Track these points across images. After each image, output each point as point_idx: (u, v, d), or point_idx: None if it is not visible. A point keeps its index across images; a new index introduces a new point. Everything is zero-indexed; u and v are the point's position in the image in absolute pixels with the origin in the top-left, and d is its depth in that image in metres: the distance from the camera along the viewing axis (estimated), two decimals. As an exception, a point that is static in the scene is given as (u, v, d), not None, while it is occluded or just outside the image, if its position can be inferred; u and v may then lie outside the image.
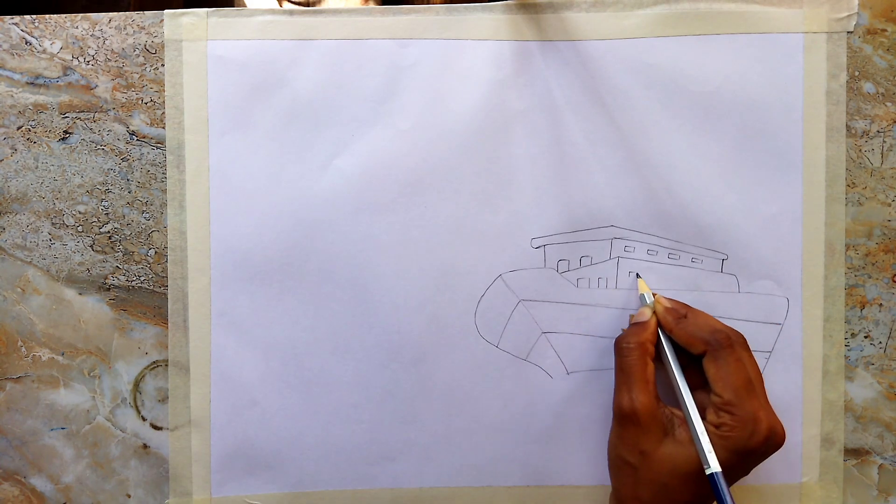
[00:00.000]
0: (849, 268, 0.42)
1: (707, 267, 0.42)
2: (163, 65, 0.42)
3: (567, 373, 0.42)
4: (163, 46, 0.42)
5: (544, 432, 0.42)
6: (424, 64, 0.42)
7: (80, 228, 0.43)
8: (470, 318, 0.42)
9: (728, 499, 0.33)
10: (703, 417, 0.35)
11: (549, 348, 0.42)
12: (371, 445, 0.42)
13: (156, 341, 0.43)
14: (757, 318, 0.42)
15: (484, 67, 0.41)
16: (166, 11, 0.42)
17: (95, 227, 0.43)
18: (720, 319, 0.39)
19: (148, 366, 0.43)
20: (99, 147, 0.43)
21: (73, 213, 0.43)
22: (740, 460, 0.34)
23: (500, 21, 0.41)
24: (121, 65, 0.42)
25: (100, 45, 0.42)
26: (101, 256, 0.43)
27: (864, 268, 0.42)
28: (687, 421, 0.36)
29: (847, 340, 0.42)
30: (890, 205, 0.42)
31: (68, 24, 0.42)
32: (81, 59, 0.42)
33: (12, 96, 0.42)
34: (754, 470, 0.36)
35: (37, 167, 0.43)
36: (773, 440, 0.34)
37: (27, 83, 0.42)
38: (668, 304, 0.39)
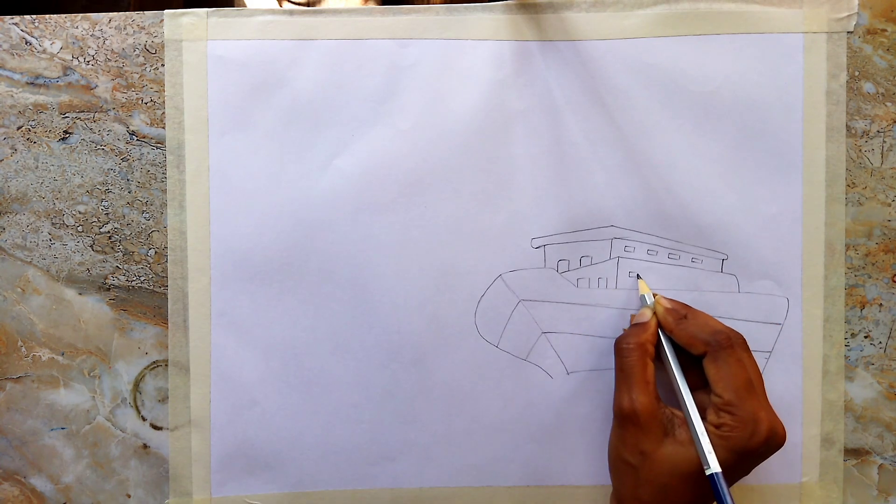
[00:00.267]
0: (849, 268, 0.42)
1: (707, 267, 0.42)
2: (163, 65, 0.42)
3: (567, 373, 0.42)
4: (163, 46, 0.42)
5: (544, 432, 0.42)
6: (424, 64, 0.42)
7: (80, 228, 0.43)
8: (470, 318, 0.42)
9: (728, 499, 0.33)
10: (704, 418, 0.35)
11: (549, 348, 0.42)
12: (371, 445, 0.42)
13: (156, 341, 0.43)
14: (757, 318, 0.42)
15: (484, 67, 0.41)
16: (166, 11, 0.42)
17: (95, 227, 0.43)
18: (720, 319, 0.39)
19: (148, 366, 0.43)
20: (99, 147, 0.43)
21: (73, 213, 0.43)
22: (741, 461, 0.34)
23: (500, 21, 0.41)
24: (121, 65, 0.42)
25: (100, 45, 0.42)
26: (101, 256, 0.43)
27: (864, 268, 0.42)
28: (687, 421, 0.36)
29: (847, 340, 0.42)
30: (890, 205, 0.42)
31: (68, 24, 0.42)
32: (81, 59, 0.42)
33: (12, 96, 0.42)
34: (754, 470, 0.36)
35: (37, 167, 0.43)
36: (773, 440, 0.34)
37: (27, 83, 0.42)
38: (668, 305, 0.39)
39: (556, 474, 0.42)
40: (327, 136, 0.42)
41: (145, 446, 0.43)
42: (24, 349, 0.43)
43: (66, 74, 0.42)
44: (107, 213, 0.43)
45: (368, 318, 0.42)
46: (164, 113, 0.42)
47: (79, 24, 0.42)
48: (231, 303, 0.42)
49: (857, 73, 0.41)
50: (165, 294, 0.42)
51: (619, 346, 0.38)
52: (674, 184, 0.41)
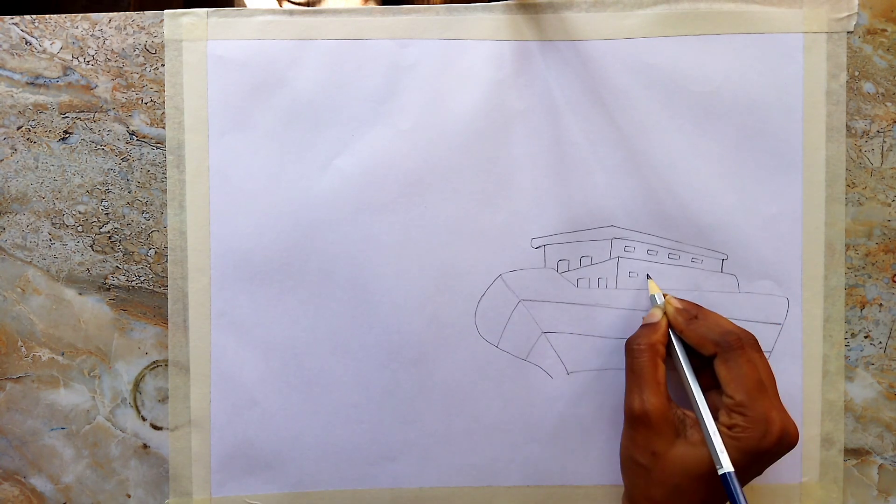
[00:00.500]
0: (849, 268, 0.42)
1: (707, 267, 0.42)
2: (163, 65, 0.42)
3: (567, 373, 0.42)
4: (163, 46, 0.42)
5: (544, 432, 0.42)
6: (424, 64, 0.42)
7: (80, 228, 0.43)
8: (470, 318, 0.42)
9: (742, 499, 0.33)
10: (716, 419, 0.35)
11: (549, 348, 0.42)
12: (371, 445, 0.42)
13: (156, 341, 0.43)
14: (757, 318, 0.42)
15: (484, 67, 0.41)
16: (166, 11, 0.42)
17: (95, 227, 0.43)
18: (720, 319, 0.39)
19: (148, 366, 0.43)
20: (99, 147, 0.43)
21: (73, 213, 0.43)
22: (753, 461, 0.34)
23: (500, 21, 0.41)
24: (121, 65, 0.42)
25: (100, 45, 0.42)
26: (101, 256, 0.43)
27: (864, 268, 0.42)
28: (699, 422, 0.36)
29: (847, 340, 0.42)
30: (890, 205, 0.42)
31: (68, 24, 0.42)
32: (81, 59, 0.42)
33: (12, 96, 0.42)
34: (755, 470, 0.36)
35: (37, 167, 0.43)
36: (785, 441, 0.34)
37: (27, 83, 0.42)
38: (678, 306, 0.39)
39: (556, 474, 0.42)
40: (327, 136, 0.42)
41: (145, 446, 0.43)
42: (24, 349, 0.43)
43: (66, 74, 0.42)
44: (107, 213, 0.43)
45: (368, 318, 0.42)
46: (164, 113, 0.42)
47: (79, 24, 0.42)
48: (231, 303, 0.42)
49: (857, 73, 0.41)
50: (165, 294, 0.42)
51: (630, 347, 0.38)
52: (674, 184, 0.41)
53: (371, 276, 0.42)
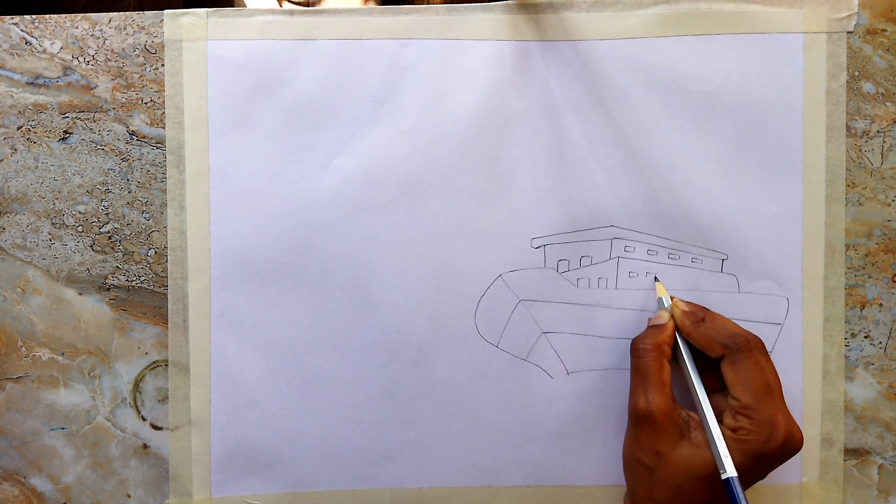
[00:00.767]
0: (849, 268, 0.42)
1: (707, 267, 0.42)
2: (163, 65, 0.42)
3: (567, 373, 0.42)
4: (163, 46, 0.42)
5: (544, 432, 0.42)
6: (424, 64, 0.42)
7: (80, 228, 0.43)
8: (470, 318, 0.42)
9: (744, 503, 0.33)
10: (720, 421, 0.35)
11: (549, 348, 0.42)
12: (371, 445, 0.42)
13: (156, 341, 0.43)
14: (757, 318, 0.42)
15: (484, 67, 0.41)
16: (166, 11, 0.42)
17: (95, 227, 0.43)
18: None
19: (148, 366, 0.43)
20: (99, 147, 0.43)
21: (73, 213, 0.43)
22: (757, 464, 0.34)
23: (500, 21, 0.41)
24: (121, 65, 0.42)
25: (100, 45, 0.42)
26: (101, 256, 0.43)
27: (864, 268, 0.42)
28: (703, 424, 0.36)
29: (847, 340, 0.42)
30: (890, 205, 0.42)
31: (68, 24, 0.42)
32: (81, 59, 0.42)
33: (12, 96, 0.42)
34: (755, 470, 0.36)
35: (37, 167, 0.43)
36: (790, 444, 0.34)
37: (27, 83, 0.42)
38: (686, 308, 0.39)
39: (556, 474, 0.42)
40: (327, 136, 0.42)
41: (145, 446, 0.43)
42: (24, 349, 0.43)
43: (66, 74, 0.42)
44: (107, 213, 0.43)
45: (368, 318, 0.42)
46: (164, 113, 0.42)
47: (79, 24, 0.42)
48: (231, 303, 0.42)
49: (857, 73, 0.41)
50: (165, 294, 0.42)
51: (636, 347, 0.38)
52: (674, 184, 0.41)
53: (371, 276, 0.42)
